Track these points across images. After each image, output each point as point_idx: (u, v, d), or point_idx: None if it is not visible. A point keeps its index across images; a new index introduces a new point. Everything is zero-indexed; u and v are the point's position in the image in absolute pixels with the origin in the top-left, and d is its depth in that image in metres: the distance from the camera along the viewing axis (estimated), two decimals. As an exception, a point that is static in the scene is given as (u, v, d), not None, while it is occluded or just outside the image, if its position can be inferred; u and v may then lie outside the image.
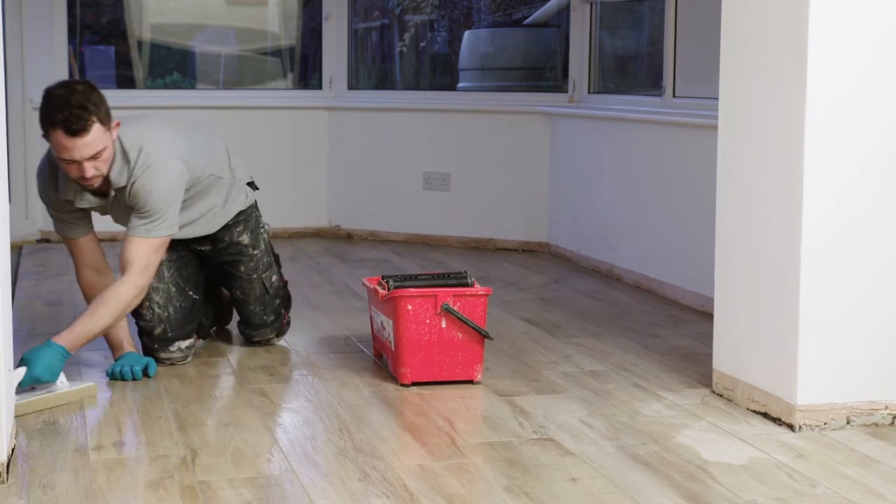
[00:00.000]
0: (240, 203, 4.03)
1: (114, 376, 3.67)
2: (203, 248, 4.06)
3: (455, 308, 3.63)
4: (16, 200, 6.37)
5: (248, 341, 4.17)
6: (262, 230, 4.12)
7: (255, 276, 4.07)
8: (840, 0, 3.15)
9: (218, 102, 6.76)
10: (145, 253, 3.63)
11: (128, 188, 3.64)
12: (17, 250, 6.18)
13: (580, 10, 6.09)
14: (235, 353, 4.08)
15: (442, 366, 3.65)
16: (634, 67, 6.17)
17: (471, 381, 3.68)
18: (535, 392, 3.61)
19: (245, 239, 4.04)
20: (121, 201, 3.70)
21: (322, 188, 6.76)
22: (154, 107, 6.65)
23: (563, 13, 6.36)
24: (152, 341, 3.88)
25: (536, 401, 3.51)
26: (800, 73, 3.17)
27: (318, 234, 6.82)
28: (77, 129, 3.43)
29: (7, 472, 2.81)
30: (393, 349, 3.70)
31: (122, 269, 3.64)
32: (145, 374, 3.69)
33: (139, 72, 7.24)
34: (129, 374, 3.65)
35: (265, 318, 4.12)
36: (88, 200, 3.72)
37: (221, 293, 4.34)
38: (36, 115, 6.39)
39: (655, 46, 5.62)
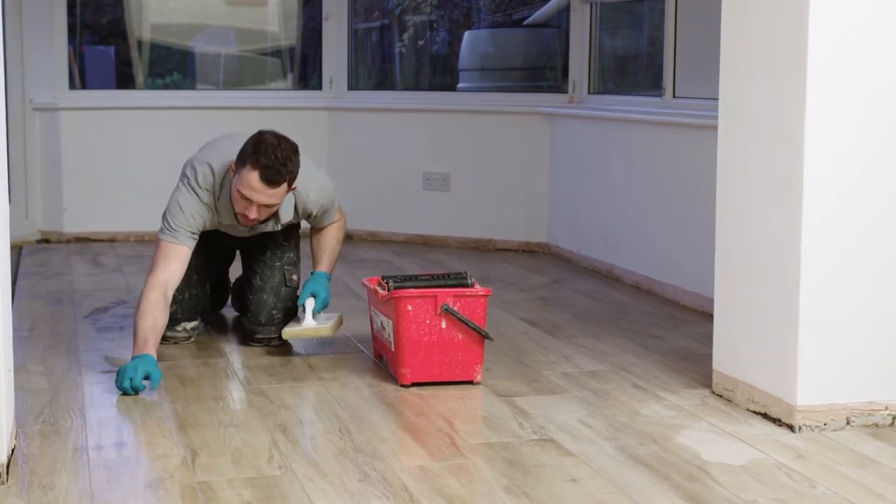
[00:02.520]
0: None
1: (121, 389, 3.60)
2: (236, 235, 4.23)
3: (455, 308, 3.63)
4: (16, 200, 6.37)
5: (250, 338, 4.17)
6: (297, 233, 4.32)
7: (278, 263, 4.19)
8: None
9: (218, 103, 6.75)
10: (339, 212, 4.22)
11: (294, 216, 4.07)
12: (17, 250, 6.17)
13: (580, 11, 6.09)
14: (235, 354, 4.08)
15: (442, 366, 3.65)
16: (634, 68, 6.17)
17: (471, 382, 3.68)
18: (535, 392, 3.61)
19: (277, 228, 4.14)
20: (264, 230, 4.08)
21: (322, 188, 6.75)
22: (154, 107, 6.67)
23: (563, 13, 6.35)
24: None
25: (536, 401, 3.51)
26: (800, 70, 3.17)
27: (317, 235, 6.81)
28: (272, 180, 3.75)
29: (7, 473, 2.81)
30: (393, 350, 3.70)
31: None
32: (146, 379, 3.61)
33: (139, 72, 7.23)
34: (130, 390, 3.54)
35: (274, 313, 4.14)
36: (239, 229, 4.06)
37: (227, 284, 4.62)
38: (36, 115, 6.52)
39: (655, 46, 5.62)
